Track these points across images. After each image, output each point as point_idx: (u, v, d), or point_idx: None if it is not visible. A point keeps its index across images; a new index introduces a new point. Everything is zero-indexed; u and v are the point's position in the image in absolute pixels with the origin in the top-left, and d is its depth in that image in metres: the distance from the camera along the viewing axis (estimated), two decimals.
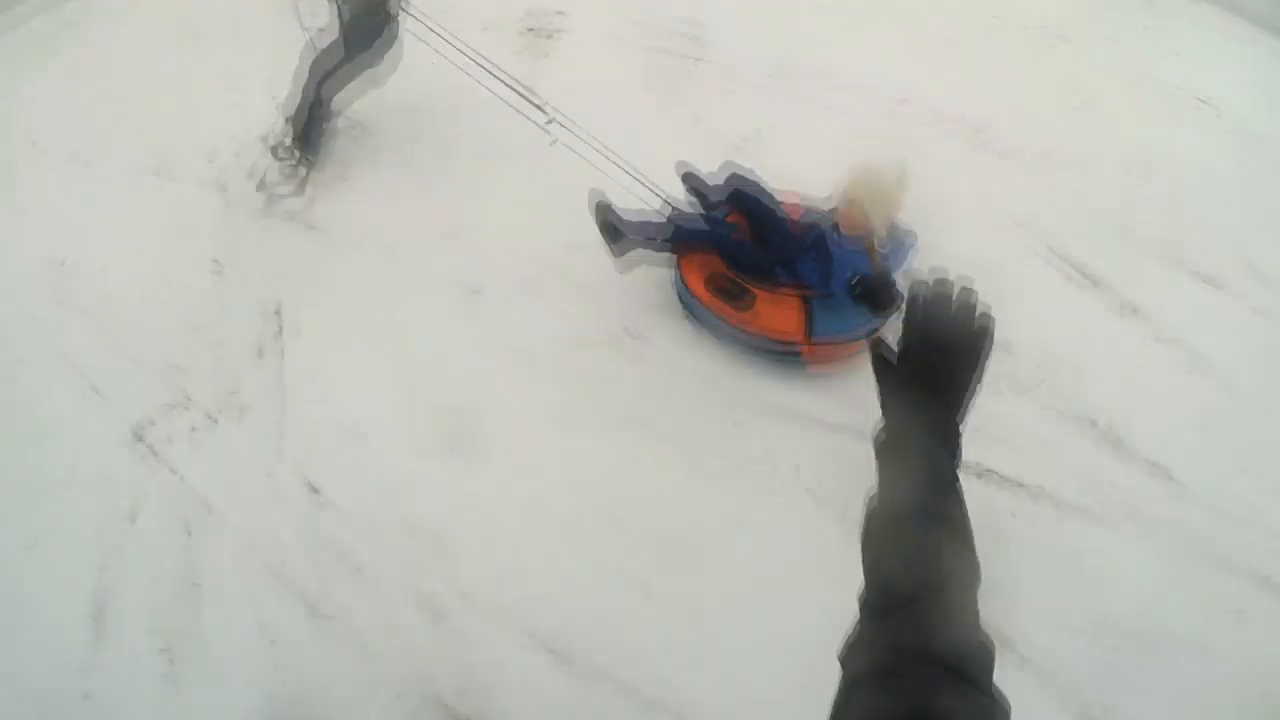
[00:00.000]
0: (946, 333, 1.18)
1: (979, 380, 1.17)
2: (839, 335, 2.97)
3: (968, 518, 1.05)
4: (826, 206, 3.23)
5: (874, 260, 3.02)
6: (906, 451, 1.13)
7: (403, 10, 3.40)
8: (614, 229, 3.16)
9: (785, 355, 3.04)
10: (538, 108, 3.36)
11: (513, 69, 3.51)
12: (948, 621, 0.90)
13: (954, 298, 1.20)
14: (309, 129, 3.66)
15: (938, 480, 1.08)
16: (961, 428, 1.14)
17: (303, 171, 3.63)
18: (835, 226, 3.08)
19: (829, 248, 3.02)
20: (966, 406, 1.16)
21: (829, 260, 3.01)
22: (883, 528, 1.05)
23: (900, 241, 3.20)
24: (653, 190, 3.29)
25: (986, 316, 1.19)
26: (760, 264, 3.09)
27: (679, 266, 3.16)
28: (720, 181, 3.30)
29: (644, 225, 3.18)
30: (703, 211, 3.26)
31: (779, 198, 3.33)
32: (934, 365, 1.16)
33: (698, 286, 3.07)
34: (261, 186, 3.54)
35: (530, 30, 4.56)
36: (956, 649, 0.86)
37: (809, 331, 2.97)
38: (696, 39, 4.59)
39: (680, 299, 3.19)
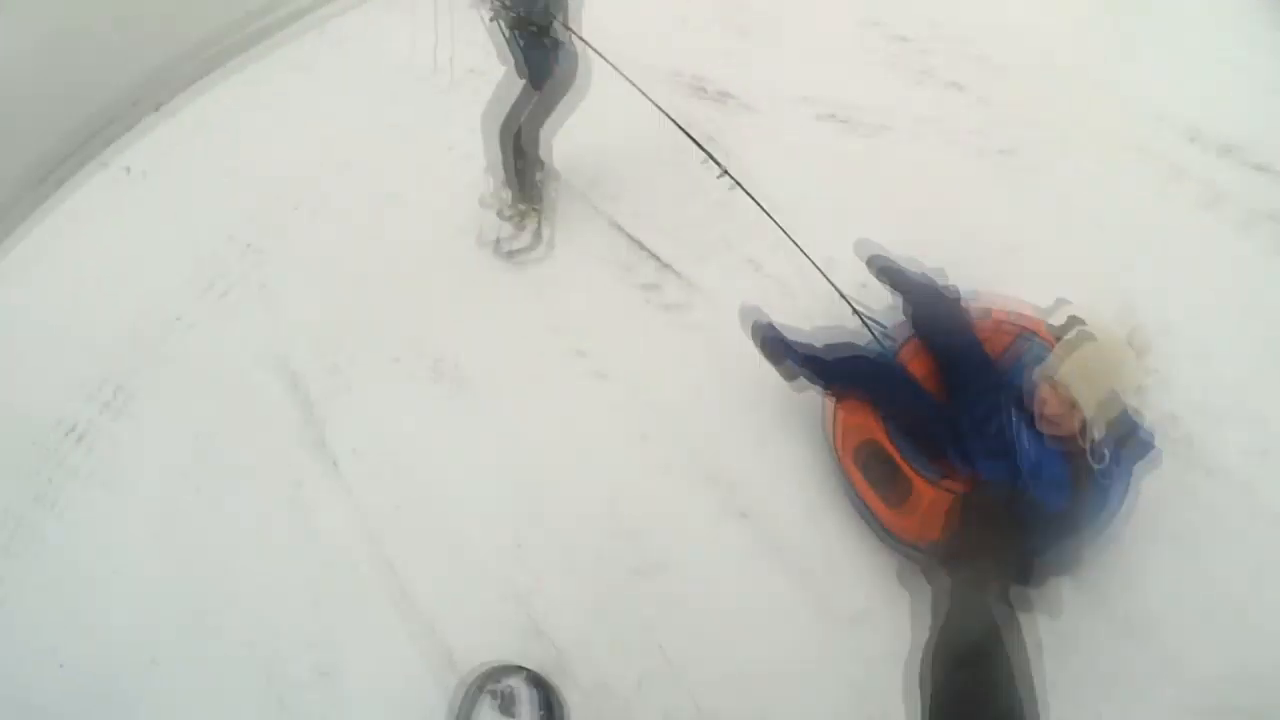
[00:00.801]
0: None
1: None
2: None
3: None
4: (1051, 331, 2.43)
5: (1079, 475, 2.18)
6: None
7: (569, 31, 3.23)
8: (777, 352, 2.81)
9: None
10: (713, 160, 3.04)
11: None
12: None
13: None
14: (524, 180, 3.68)
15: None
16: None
17: (532, 223, 3.71)
18: (1020, 406, 2.29)
19: (1011, 434, 2.27)
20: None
21: (1010, 452, 2.25)
22: None
23: (1127, 444, 2.23)
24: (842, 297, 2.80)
25: None
26: (935, 433, 2.43)
27: (834, 415, 2.65)
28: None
29: (806, 351, 2.74)
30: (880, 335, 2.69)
31: (981, 312, 2.61)
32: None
33: (846, 454, 2.57)
34: (497, 250, 3.70)
35: None
36: None
37: None
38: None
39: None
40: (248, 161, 4.40)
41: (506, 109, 3.48)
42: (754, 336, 2.86)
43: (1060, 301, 2.52)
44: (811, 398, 2.82)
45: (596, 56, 3.18)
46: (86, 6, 4.48)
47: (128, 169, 4.57)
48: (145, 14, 4.65)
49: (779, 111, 4.07)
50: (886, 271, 2.75)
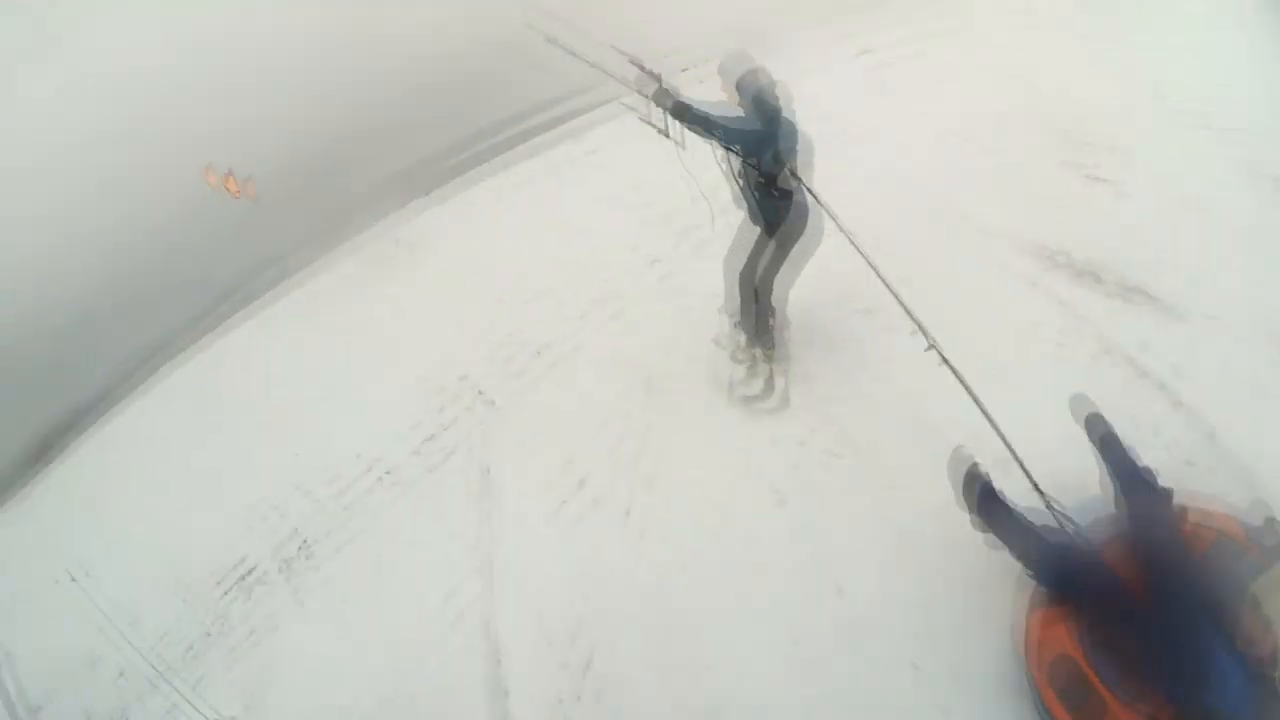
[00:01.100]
0: None
1: None
2: None
3: None
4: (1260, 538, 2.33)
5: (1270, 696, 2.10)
6: None
7: (796, 179, 3.37)
8: (980, 506, 2.81)
9: None
10: (923, 331, 3.10)
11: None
12: None
13: None
14: (759, 326, 3.87)
15: None
16: None
17: (766, 369, 3.94)
18: (1221, 623, 2.21)
19: (1210, 655, 2.19)
20: None
21: (1208, 666, 2.18)
22: None
23: None
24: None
25: None
26: (1133, 644, 2.35)
27: (1027, 624, 2.60)
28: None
29: (1014, 523, 2.71)
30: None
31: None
32: None
33: (1038, 667, 2.51)
34: (731, 394, 3.94)
35: None
36: None
37: None
38: None
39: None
40: (493, 268, 4.68)
41: (745, 252, 3.69)
42: (966, 482, 2.85)
43: (1257, 503, 2.40)
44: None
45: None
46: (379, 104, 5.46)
47: (396, 241, 5.00)
48: (429, 105, 5.49)
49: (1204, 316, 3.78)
50: (1106, 442, 2.67)
